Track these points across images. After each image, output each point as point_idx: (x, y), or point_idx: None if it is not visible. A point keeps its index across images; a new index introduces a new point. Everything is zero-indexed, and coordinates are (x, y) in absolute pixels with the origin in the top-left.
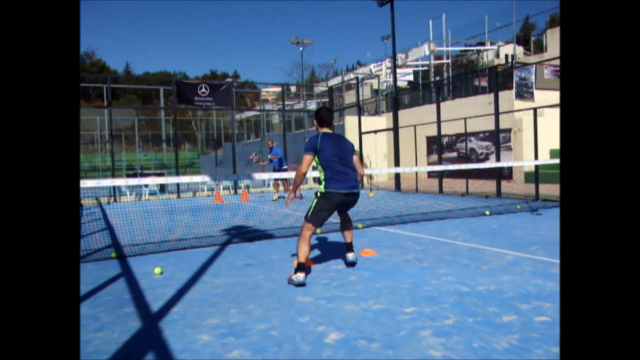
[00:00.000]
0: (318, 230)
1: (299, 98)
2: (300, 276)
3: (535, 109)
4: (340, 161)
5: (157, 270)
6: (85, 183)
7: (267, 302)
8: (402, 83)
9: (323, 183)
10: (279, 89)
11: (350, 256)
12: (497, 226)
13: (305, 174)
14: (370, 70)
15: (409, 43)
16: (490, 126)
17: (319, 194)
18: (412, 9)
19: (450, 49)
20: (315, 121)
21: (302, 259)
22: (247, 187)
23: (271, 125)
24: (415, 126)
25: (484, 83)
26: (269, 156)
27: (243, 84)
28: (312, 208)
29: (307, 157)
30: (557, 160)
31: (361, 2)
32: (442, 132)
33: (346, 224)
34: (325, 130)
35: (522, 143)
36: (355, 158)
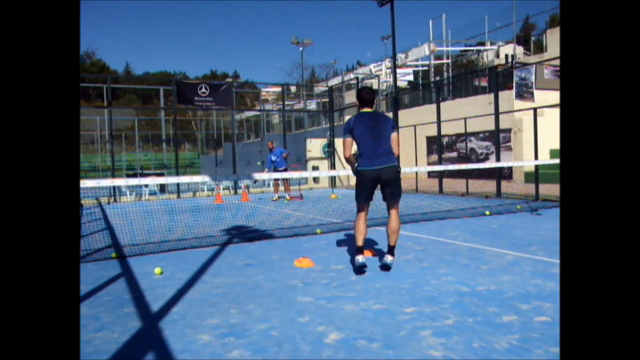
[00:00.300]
0: (318, 230)
1: (299, 98)
2: (359, 259)
3: (535, 109)
4: (371, 138)
5: (157, 270)
6: (85, 183)
7: (267, 302)
8: (402, 83)
9: (357, 162)
10: (279, 89)
11: (388, 259)
12: (497, 226)
13: (348, 157)
14: (370, 70)
15: (409, 43)
16: (490, 126)
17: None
18: (412, 9)
19: (450, 49)
20: (357, 101)
21: (358, 242)
22: (247, 187)
23: (271, 125)
24: (415, 126)
25: (484, 83)
26: (272, 157)
27: (243, 84)
28: (355, 189)
29: (345, 141)
30: (557, 160)
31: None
32: (442, 132)
33: (391, 222)
34: (366, 109)
35: (522, 143)
36: (394, 135)
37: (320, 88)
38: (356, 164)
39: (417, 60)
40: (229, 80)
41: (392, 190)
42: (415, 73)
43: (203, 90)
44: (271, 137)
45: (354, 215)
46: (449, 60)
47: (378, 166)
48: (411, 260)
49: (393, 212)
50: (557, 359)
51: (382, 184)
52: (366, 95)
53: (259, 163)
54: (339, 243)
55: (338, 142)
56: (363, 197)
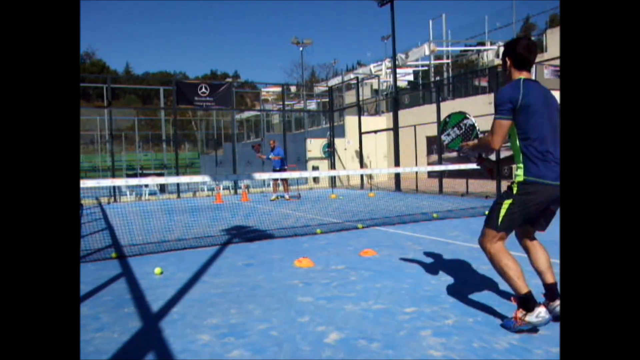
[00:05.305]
0: (318, 230)
1: (299, 98)
2: (541, 311)
3: None
4: (551, 130)
5: (157, 270)
6: (85, 183)
7: (267, 302)
8: (402, 83)
9: (522, 167)
10: (279, 89)
11: (556, 306)
12: None
13: (498, 150)
14: (370, 70)
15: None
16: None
17: (514, 188)
18: (412, 9)
19: (450, 49)
20: (507, 60)
21: (522, 288)
22: (247, 187)
23: (271, 125)
24: (415, 126)
25: (484, 83)
26: (271, 155)
27: (243, 84)
28: (502, 211)
29: (503, 125)
30: None
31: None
32: None
33: (539, 252)
34: (526, 76)
35: None
36: None
37: (320, 88)
38: (519, 172)
39: (417, 60)
40: (229, 80)
41: (552, 213)
42: (415, 73)
43: (203, 90)
44: (271, 137)
45: (353, 214)
46: (449, 60)
47: (557, 181)
48: (411, 260)
49: (535, 241)
50: (557, 359)
51: (549, 211)
52: (525, 52)
53: (263, 157)
54: (340, 242)
55: (338, 142)
56: (519, 220)
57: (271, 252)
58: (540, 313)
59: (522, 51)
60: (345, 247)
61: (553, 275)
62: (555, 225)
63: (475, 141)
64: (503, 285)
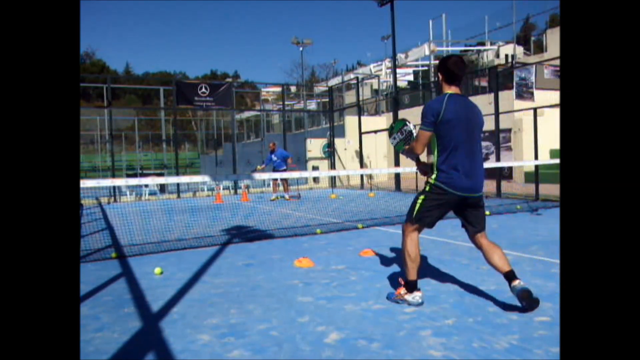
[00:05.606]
0: (318, 230)
1: (299, 98)
2: (417, 295)
3: (535, 109)
4: (466, 143)
5: (157, 270)
6: (85, 183)
7: (267, 302)
8: (402, 83)
9: (435, 171)
10: (279, 89)
11: (517, 284)
12: (497, 226)
13: (418, 155)
14: (370, 70)
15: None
16: (490, 126)
17: (427, 187)
18: (412, 9)
19: (450, 49)
20: (439, 75)
21: (412, 275)
22: (247, 187)
23: (271, 125)
24: (415, 126)
25: (484, 83)
26: (274, 157)
27: (243, 84)
28: (417, 205)
29: (423, 134)
30: (557, 160)
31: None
32: None
33: (490, 252)
34: (454, 90)
35: (522, 143)
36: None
37: (320, 88)
38: (433, 175)
39: (417, 60)
40: (229, 80)
41: (479, 214)
42: (415, 73)
43: (203, 90)
44: (271, 137)
45: (353, 214)
46: None
47: (466, 193)
48: None
49: (484, 240)
50: (557, 359)
51: (464, 209)
52: (455, 68)
53: (259, 167)
54: (340, 242)
55: (338, 142)
56: (431, 219)
57: (271, 252)
58: (416, 297)
59: (452, 67)
60: (345, 247)
61: (507, 265)
62: (555, 225)
63: (408, 146)
64: (503, 286)
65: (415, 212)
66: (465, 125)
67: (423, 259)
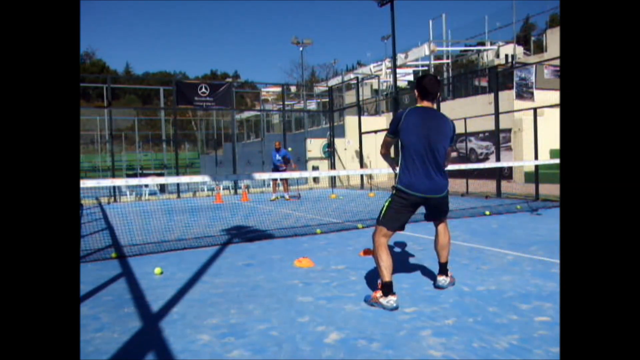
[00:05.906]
0: (318, 231)
1: (299, 98)
2: (392, 299)
3: (535, 109)
4: (424, 149)
5: (157, 270)
6: (85, 183)
7: (267, 302)
8: (402, 83)
9: (399, 175)
10: (279, 89)
11: (441, 280)
12: (497, 226)
13: (384, 155)
14: (370, 70)
15: (409, 43)
16: (490, 126)
17: (393, 191)
18: (412, 9)
19: (450, 49)
20: (416, 90)
21: (386, 277)
22: (247, 187)
23: (271, 125)
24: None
25: (484, 83)
26: (277, 156)
27: (243, 84)
28: (384, 208)
29: (385, 139)
30: (557, 160)
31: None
32: None
33: (440, 236)
34: (425, 104)
35: (522, 143)
36: (448, 150)
37: (320, 88)
38: (396, 179)
39: (417, 60)
40: (229, 80)
41: (441, 209)
42: (415, 73)
43: (203, 90)
44: (271, 137)
45: (353, 214)
46: (449, 60)
47: (427, 194)
48: (412, 260)
49: (441, 226)
50: (557, 359)
51: (428, 206)
52: (429, 86)
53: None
54: (340, 242)
55: (338, 142)
56: (399, 220)
57: (271, 252)
58: (390, 301)
59: (426, 85)
60: (345, 247)
61: (445, 257)
62: (555, 225)
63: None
64: (503, 286)
65: (382, 215)
66: (425, 133)
67: (423, 259)
